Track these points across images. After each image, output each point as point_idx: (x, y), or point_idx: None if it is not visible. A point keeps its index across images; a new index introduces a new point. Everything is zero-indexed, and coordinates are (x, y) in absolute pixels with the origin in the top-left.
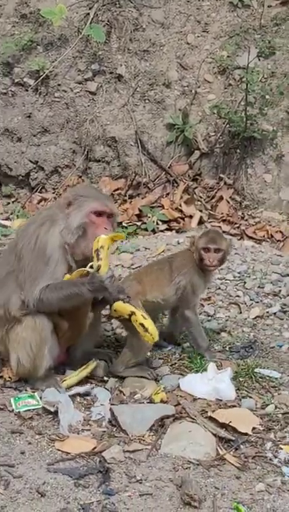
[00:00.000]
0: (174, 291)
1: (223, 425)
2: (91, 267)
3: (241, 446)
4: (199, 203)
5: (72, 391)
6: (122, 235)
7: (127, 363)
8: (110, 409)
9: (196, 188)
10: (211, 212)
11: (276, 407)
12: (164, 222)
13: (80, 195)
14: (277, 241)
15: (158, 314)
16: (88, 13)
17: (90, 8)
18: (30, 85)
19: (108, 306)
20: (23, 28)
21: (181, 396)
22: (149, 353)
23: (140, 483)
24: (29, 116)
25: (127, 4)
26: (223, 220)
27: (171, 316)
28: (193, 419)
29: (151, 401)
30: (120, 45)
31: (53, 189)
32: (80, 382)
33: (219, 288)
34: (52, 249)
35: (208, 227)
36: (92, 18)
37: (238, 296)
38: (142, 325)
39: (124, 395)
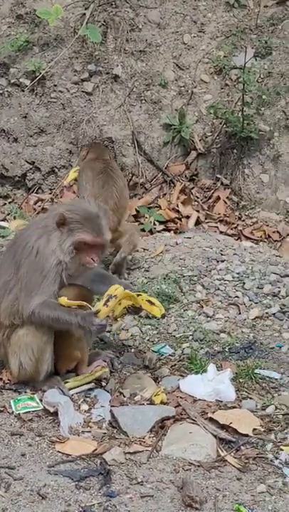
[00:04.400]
0: None
1: (223, 426)
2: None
3: (242, 448)
4: (196, 203)
5: (72, 391)
6: (138, 303)
7: None
8: (110, 411)
9: (192, 188)
10: (208, 212)
11: (276, 408)
12: (161, 222)
13: (74, 220)
14: (275, 241)
15: None
16: (84, 14)
17: (86, 9)
18: (26, 86)
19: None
20: (19, 29)
21: (181, 397)
22: (149, 354)
23: (141, 484)
24: (25, 117)
25: (123, 4)
26: (220, 221)
27: None
28: (194, 420)
29: (151, 402)
30: (116, 46)
31: (50, 190)
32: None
33: (218, 289)
34: (50, 264)
35: (205, 228)
36: (89, 19)
37: (237, 296)
38: (149, 301)
39: (124, 396)
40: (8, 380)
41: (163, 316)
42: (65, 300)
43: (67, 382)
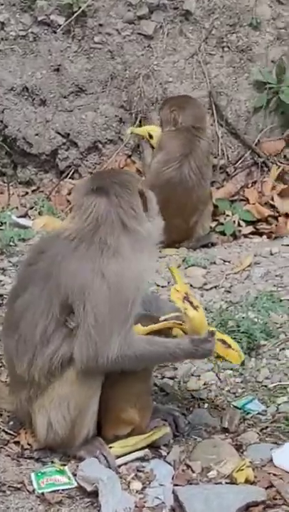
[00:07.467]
0: None
1: None
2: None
3: None
4: None
5: (119, 461)
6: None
7: None
8: (173, 492)
9: None
10: None
11: None
12: (249, 222)
13: None
14: None
15: None
16: None
17: None
18: (59, 25)
19: None
20: None
21: (274, 474)
22: (229, 412)
23: None
24: (57, 70)
25: None
26: None
27: None
28: None
29: (232, 481)
30: None
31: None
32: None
33: None
34: (133, 293)
35: None
36: None
37: None
38: (222, 340)
39: (192, 471)
40: (29, 444)
41: (242, 363)
42: (141, 328)
43: (111, 447)
